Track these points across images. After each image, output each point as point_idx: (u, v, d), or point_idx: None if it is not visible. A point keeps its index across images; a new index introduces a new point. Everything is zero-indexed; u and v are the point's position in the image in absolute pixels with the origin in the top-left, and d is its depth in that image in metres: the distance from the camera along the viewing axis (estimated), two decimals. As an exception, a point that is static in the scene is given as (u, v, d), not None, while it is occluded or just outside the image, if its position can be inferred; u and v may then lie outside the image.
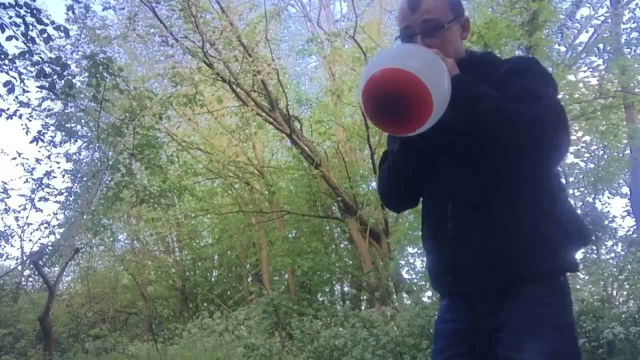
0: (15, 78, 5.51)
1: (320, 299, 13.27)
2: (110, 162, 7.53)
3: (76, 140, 8.63)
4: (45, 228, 8.32)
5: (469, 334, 1.33)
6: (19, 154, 7.59)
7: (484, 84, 1.27)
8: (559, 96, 1.30)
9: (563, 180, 1.49)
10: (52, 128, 7.94)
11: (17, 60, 5.63)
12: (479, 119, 1.22)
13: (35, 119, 7.77)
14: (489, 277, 1.28)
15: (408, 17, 1.37)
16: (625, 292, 5.54)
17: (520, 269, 1.26)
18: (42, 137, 7.50)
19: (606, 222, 7.42)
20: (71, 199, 8.64)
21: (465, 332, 1.34)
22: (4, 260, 9.40)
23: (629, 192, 8.98)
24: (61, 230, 8.50)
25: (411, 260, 9.21)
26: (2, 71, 5.60)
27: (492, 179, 1.29)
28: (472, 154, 1.29)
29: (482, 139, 1.25)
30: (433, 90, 1.16)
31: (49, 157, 7.86)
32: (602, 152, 8.77)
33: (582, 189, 8.80)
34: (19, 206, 8.17)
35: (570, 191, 8.27)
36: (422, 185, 1.44)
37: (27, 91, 6.55)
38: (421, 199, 1.49)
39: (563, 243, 1.28)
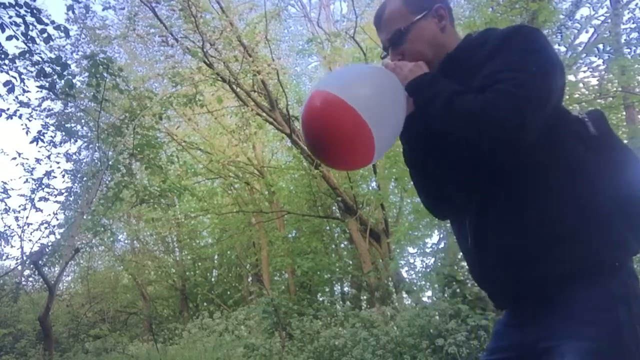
0: (15, 78, 5.51)
1: (320, 299, 13.28)
2: (110, 162, 7.53)
3: (76, 140, 8.64)
4: (45, 228, 8.32)
5: (518, 342, 1.26)
6: (19, 154, 7.59)
7: (457, 76, 1.23)
8: (547, 69, 1.15)
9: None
10: (52, 128, 7.93)
11: (17, 60, 5.63)
12: (430, 121, 1.21)
13: (35, 119, 7.78)
14: (512, 288, 1.23)
15: (380, 36, 1.42)
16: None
17: (543, 273, 1.17)
18: (42, 137, 7.49)
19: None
20: (71, 199, 8.64)
21: (515, 339, 1.27)
22: (4, 260, 9.42)
23: None
24: (61, 230, 8.49)
25: (411, 260, 9.20)
26: (2, 71, 5.60)
27: (496, 186, 1.22)
28: (467, 161, 1.25)
29: (440, 140, 1.23)
30: (371, 123, 1.17)
31: (49, 157, 7.86)
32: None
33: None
34: (19, 206, 8.17)
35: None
36: (443, 194, 1.39)
37: (27, 91, 6.56)
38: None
39: (597, 235, 1.14)
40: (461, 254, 1.45)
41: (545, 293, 1.18)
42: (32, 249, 8.56)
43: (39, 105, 8.01)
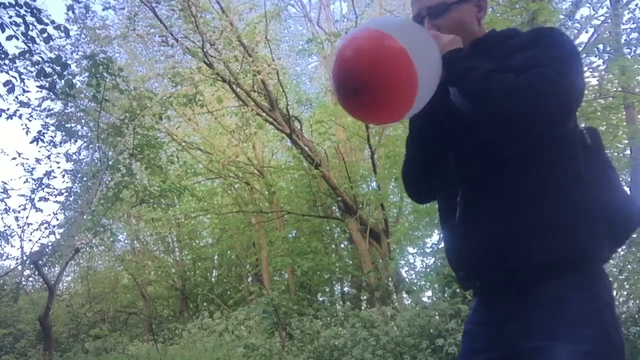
0: (15, 78, 5.51)
1: (320, 299, 13.29)
2: (110, 162, 7.54)
3: (76, 140, 8.65)
4: (45, 228, 8.33)
5: (497, 341, 1.23)
6: (19, 154, 7.60)
7: (488, 59, 1.23)
8: (578, 73, 1.18)
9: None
10: (52, 128, 7.94)
11: (17, 60, 5.64)
12: (466, 93, 1.21)
13: (35, 119, 7.78)
14: (494, 268, 1.22)
15: (416, 3, 1.40)
16: (625, 292, 5.55)
17: (527, 256, 1.17)
18: (42, 137, 7.50)
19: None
20: (71, 199, 8.65)
21: (492, 338, 1.24)
22: (4, 260, 9.43)
23: (629, 192, 8.98)
24: (61, 230, 8.51)
25: (411, 260, 9.21)
26: (2, 71, 5.60)
27: (497, 164, 1.24)
28: (476, 137, 1.27)
29: (474, 114, 1.23)
30: (419, 68, 1.12)
31: (49, 157, 7.87)
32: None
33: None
34: (19, 206, 8.18)
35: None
36: (436, 172, 1.40)
37: (27, 91, 6.57)
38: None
39: (583, 229, 1.17)
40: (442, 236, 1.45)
41: (525, 282, 1.18)
42: (32, 249, 8.56)
43: (39, 105, 8.02)
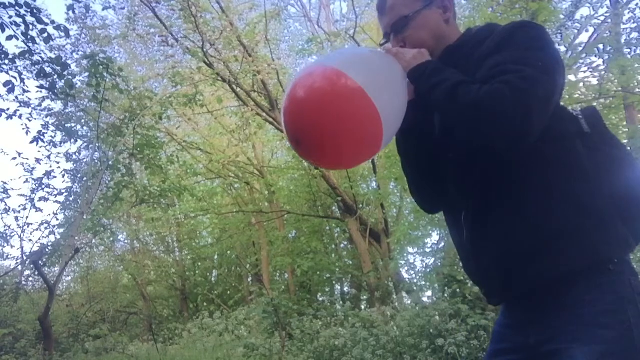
0: (15, 78, 5.51)
1: (320, 299, 13.29)
2: (110, 162, 7.54)
3: (76, 140, 8.65)
4: (45, 228, 8.34)
5: (520, 344, 1.23)
6: (19, 154, 7.61)
7: (465, 66, 1.20)
8: (552, 66, 1.13)
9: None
10: (52, 128, 7.94)
11: (17, 60, 5.63)
12: (434, 109, 1.20)
13: (35, 119, 7.79)
14: (514, 284, 1.19)
15: (382, 21, 1.40)
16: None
17: (545, 268, 1.14)
18: (42, 137, 7.50)
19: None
20: (71, 199, 8.65)
21: (517, 340, 1.24)
22: (4, 260, 9.43)
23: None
24: (61, 230, 8.51)
25: (411, 260, 9.20)
26: (2, 71, 5.60)
27: (494, 176, 1.20)
28: (467, 153, 1.24)
29: (444, 130, 1.21)
30: (380, 109, 1.06)
31: (49, 157, 7.88)
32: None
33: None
34: (19, 206, 8.20)
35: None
36: (437, 185, 1.36)
37: (27, 91, 6.59)
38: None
39: (598, 231, 1.13)
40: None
41: (545, 291, 1.16)
42: (32, 249, 8.57)
43: (39, 105, 8.02)
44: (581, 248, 1.12)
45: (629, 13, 6.86)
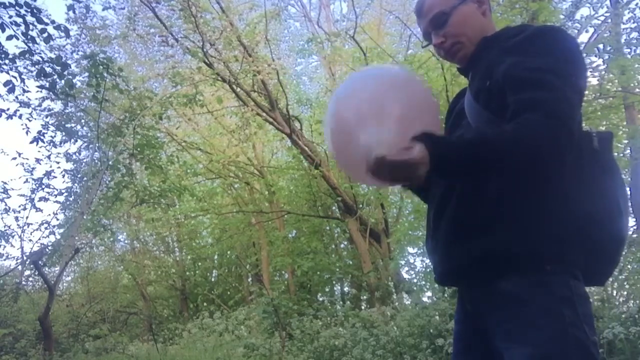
0: (15, 78, 5.51)
1: (320, 299, 13.27)
2: (110, 162, 7.54)
3: (76, 140, 8.65)
4: (45, 228, 8.34)
5: (471, 335, 1.32)
6: (19, 154, 7.62)
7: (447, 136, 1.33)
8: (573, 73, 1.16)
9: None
10: (52, 128, 7.95)
11: (17, 60, 5.64)
12: (481, 173, 1.19)
13: (35, 119, 7.79)
14: (455, 258, 1.25)
15: (421, 23, 1.45)
16: (625, 292, 5.54)
17: (485, 247, 1.17)
18: (42, 137, 7.50)
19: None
20: (71, 199, 8.65)
21: (466, 334, 1.35)
22: (4, 260, 9.42)
23: (629, 193, 8.99)
24: (61, 230, 8.51)
25: (411, 260, 9.20)
26: (2, 71, 5.60)
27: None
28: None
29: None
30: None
31: (49, 157, 7.88)
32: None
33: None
34: (19, 206, 8.19)
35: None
36: None
37: (27, 91, 6.57)
38: None
39: (545, 227, 1.15)
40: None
41: (486, 275, 1.19)
42: (32, 249, 8.57)
43: (39, 105, 8.03)
44: (525, 236, 1.15)
45: (629, 13, 6.86)
